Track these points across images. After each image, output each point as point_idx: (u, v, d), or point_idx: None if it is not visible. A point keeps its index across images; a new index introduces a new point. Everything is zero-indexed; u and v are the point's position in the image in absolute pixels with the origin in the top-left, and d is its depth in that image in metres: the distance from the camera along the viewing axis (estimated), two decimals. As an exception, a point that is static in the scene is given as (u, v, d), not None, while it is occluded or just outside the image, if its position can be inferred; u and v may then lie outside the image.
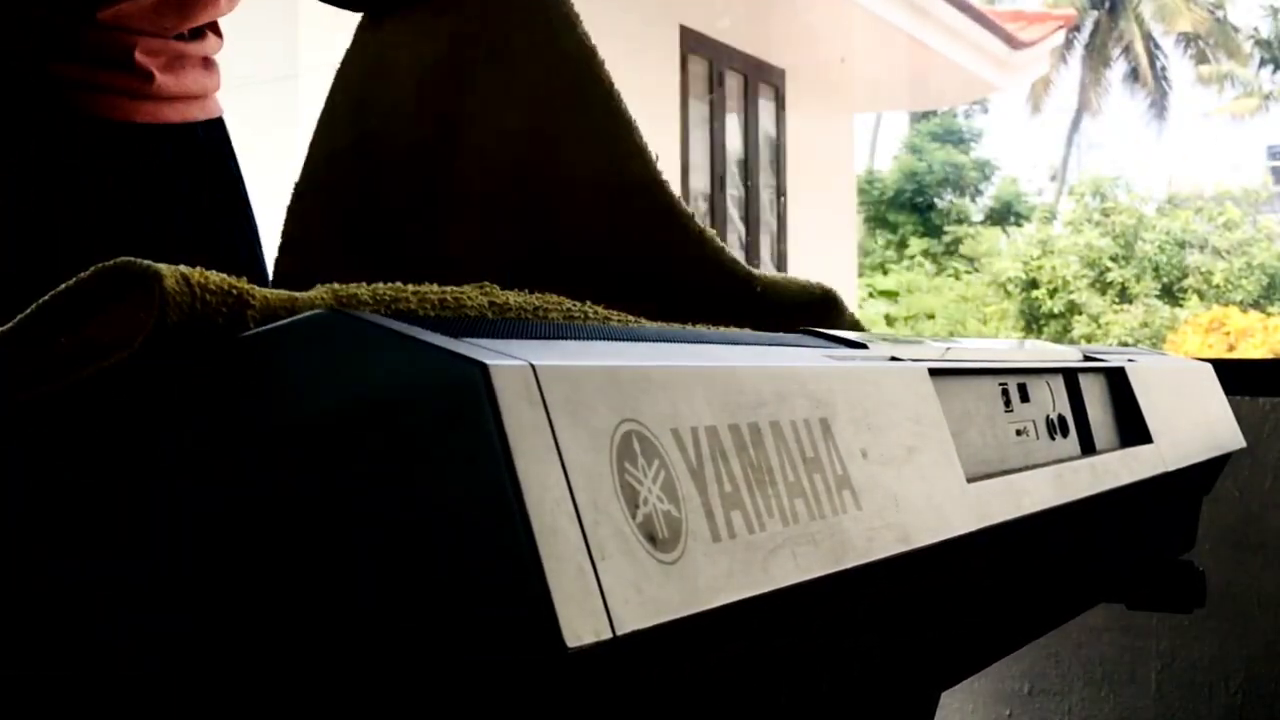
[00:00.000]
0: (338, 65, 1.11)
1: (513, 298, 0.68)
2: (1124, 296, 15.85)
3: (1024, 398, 0.95)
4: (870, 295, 18.08)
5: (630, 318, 0.78)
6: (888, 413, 0.71)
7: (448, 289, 0.63)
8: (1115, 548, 1.23)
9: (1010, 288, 16.26)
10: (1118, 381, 1.14)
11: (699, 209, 7.91)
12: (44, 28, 1.08)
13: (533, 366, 0.48)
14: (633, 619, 0.47)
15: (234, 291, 0.53)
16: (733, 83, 8.61)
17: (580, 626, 0.45)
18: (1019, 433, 0.92)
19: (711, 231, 1.02)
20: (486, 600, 0.45)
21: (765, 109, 8.99)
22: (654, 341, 0.66)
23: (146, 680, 0.51)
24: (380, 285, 0.59)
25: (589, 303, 0.75)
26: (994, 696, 2.21)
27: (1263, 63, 21.84)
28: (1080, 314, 15.74)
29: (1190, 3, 20.95)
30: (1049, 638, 1.92)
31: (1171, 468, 1.15)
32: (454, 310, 0.62)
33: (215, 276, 0.53)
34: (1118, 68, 21.91)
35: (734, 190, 8.53)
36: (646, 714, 0.55)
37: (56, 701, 0.53)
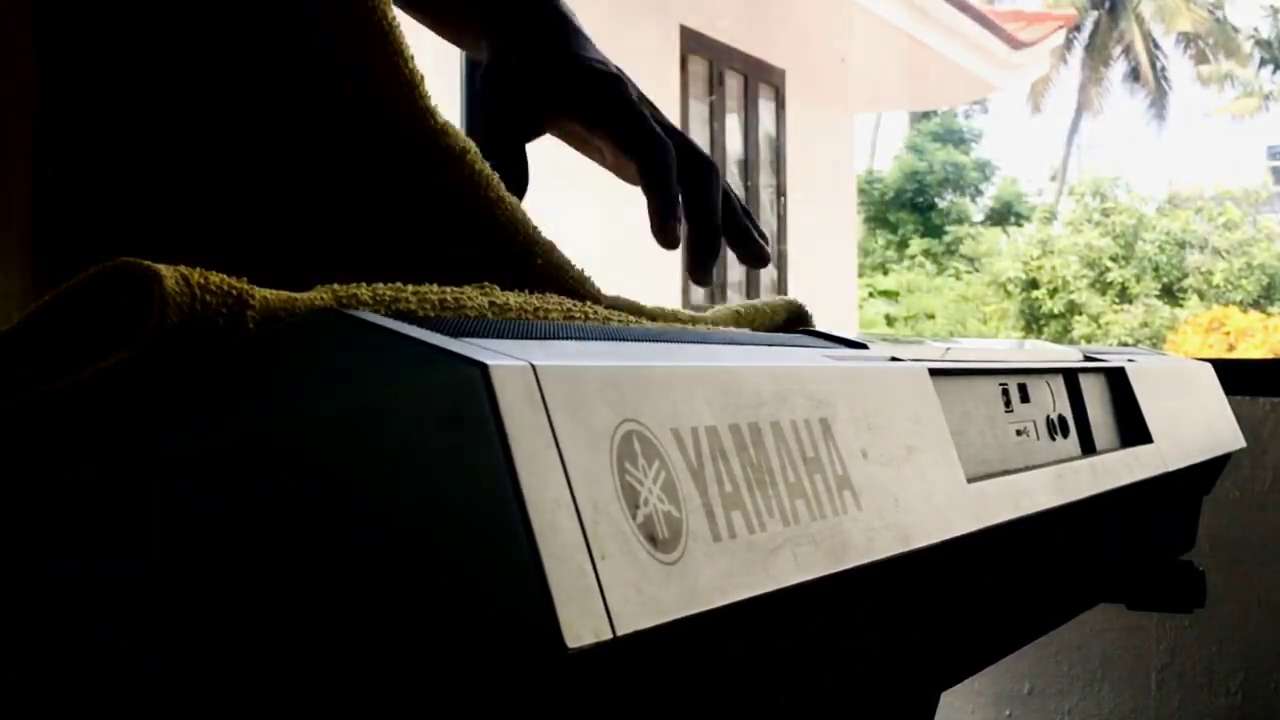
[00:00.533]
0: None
1: (513, 298, 0.68)
2: (1124, 296, 15.86)
3: (1024, 398, 0.95)
4: (870, 295, 18.10)
5: (631, 318, 0.78)
6: (888, 413, 0.71)
7: (448, 289, 0.63)
8: (1115, 548, 1.23)
9: (1010, 288, 16.27)
10: (1118, 382, 1.14)
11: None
12: None
13: (533, 366, 0.48)
14: (633, 619, 0.47)
15: (234, 291, 0.53)
16: (733, 83, 8.62)
17: (580, 627, 0.45)
18: (1019, 433, 0.92)
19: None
20: (486, 600, 0.45)
21: (765, 109, 9.00)
22: (654, 341, 0.66)
23: (146, 680, 0.51)
24: (380, 285, 0.59)
25: (590, 303, 0.75)
26: (994, 696, 2.21)
27: (1263, 63, 21.85)
28: (1080, 314, 15.75)
29: (1190, 3, 20.96)
30: (1049, 638, 1.92)
31: (1172, 468, 1.15)
32: (454, 310, 0.62)
33: (215, 276, 0.53)
34: (1118, 68, 21.92)
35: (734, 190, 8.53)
36: (647, 714, 0.55)
37: (56, 701, 0.53)
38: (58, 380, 0.53)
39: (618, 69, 0.98)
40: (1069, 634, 2.12)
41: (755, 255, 0.99)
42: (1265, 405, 2.08)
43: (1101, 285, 15.86)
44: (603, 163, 0.99)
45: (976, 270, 17.95)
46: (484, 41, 1.00)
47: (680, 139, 0.96)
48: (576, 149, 1.01)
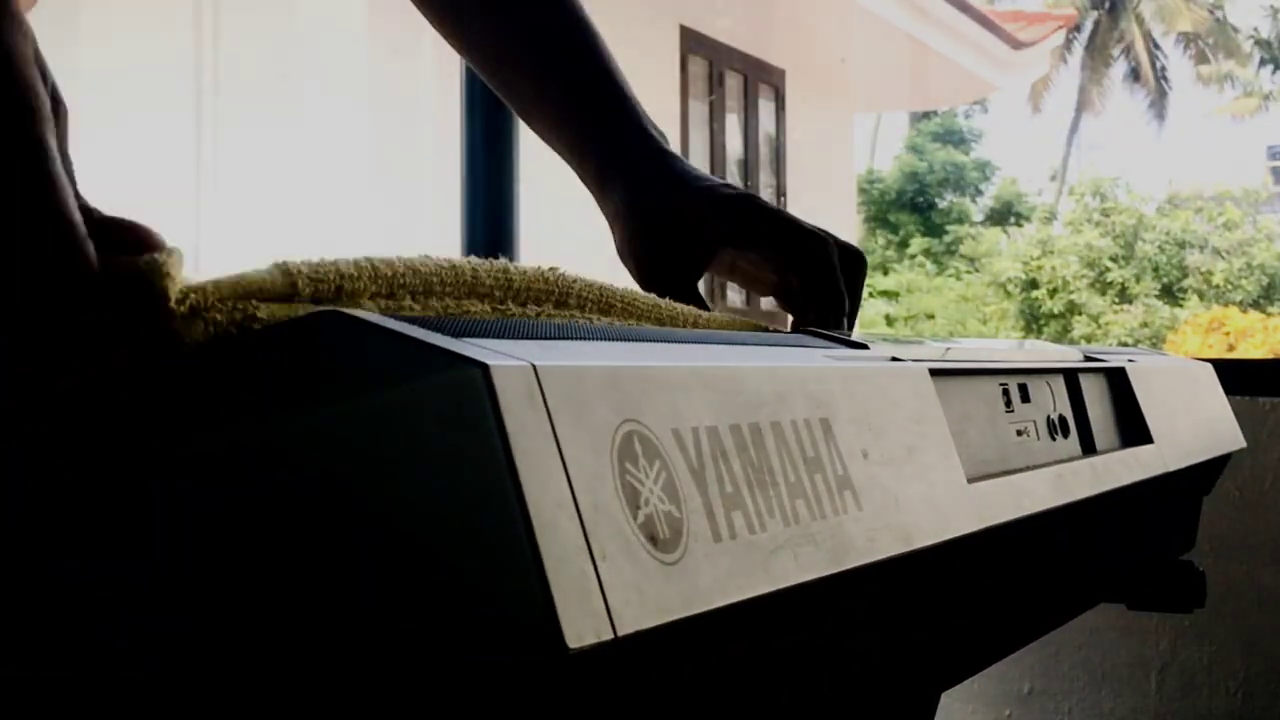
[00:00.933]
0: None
1: (514, 305, 0.67)
2: (1124, 296, 15.86)
3: (1024, 398, 0.95)
4: (870, 295, 18.10)
5: (634, 319, 0.78)
6: (888, 413, 0.71)
7: (449, 300, 0.63)
8: (1116, 548, 1.23)
9: (1010, 288, 16.27)
10: (1118, 382, 1.13)
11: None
12: None
13: (534, 367, 0.47)
14: (634, 619, 0.47)
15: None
16: (733, 83, 8.62)
17: (582, 627, 0.45)
18: (1019, 433, 0.92)
19: None
20: (487, 601, 0.45)
21: (765, 109, 9.00)
22: (655, 342, 0.66)
23: (146, 680, 0.51)
24: (382, 298, 0.59)
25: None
26: (994, 696, 2.21)
27: (1263, 63, 21.85)
28: (1080, 314, 15.75)
29: (1190, 3, 20.96)
30: (1049, 638, 1.92)
31: (1172, 468, 1.15)
32: (455, 314, 0.62)
33: (219, 275, 0.53)
34: (1118, 68, 21.93)
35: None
36: (647, 714, 0.55)
37: (56, 701, 0.53)
38: (59, 380, 0.53)
39: (739, 188, 1.01)
40: (1069, 634, 2.12)
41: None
42: (1265, 405, 2.08)
43: (1101, 285, 15.86)
44: (767, 290, 1.01)
45: (976, 270, 17.95)
46: (610, 204, 1.02)
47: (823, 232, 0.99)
48: (743, 284, 1.03)
